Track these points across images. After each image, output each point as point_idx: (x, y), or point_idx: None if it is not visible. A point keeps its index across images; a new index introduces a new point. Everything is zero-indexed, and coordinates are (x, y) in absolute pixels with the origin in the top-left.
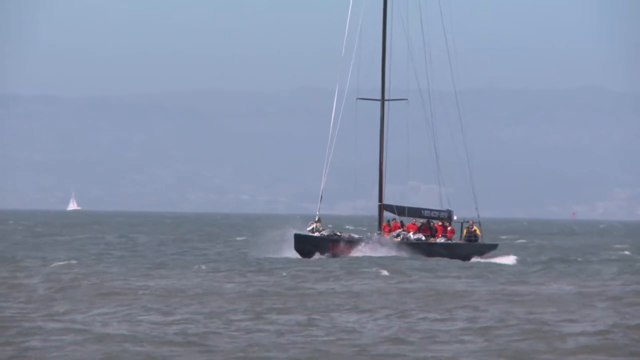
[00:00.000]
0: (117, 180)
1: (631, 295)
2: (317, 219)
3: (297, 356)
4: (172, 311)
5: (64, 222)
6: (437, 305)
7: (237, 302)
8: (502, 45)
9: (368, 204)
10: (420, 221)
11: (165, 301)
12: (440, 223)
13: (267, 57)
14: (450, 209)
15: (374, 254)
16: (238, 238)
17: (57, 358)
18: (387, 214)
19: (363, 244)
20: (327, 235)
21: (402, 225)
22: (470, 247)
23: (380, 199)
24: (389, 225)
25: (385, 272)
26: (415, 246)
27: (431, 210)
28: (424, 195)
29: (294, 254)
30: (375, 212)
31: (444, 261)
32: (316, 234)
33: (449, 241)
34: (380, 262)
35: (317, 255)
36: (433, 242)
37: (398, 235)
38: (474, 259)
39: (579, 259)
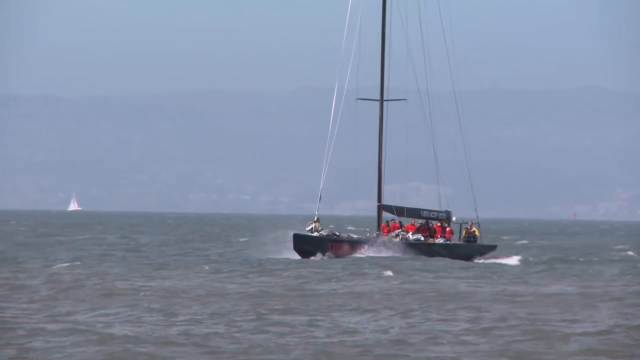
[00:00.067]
0: (118, 180)
1: (633, 296)
2: (316, 219)
3: (300, 357)
4: (175, 312)
5: (65, 222)
6: (439, 306)
7: (239, 303)
8: (502, 45)
9: (368, 204)
10: (419, 222)
11: (167, 302)
12: (439, 224)
13: (267, 57)
14: (449, 209)
15: (377, 255)
16: (241, 239)
17: (59, 359)
18: (386, 215)
19: (367, 246)
20: (326, 236)
21: (401, 225)
22: (469, 247)
23: (379, 199)
24: (387, 225)
25: (387, 273)
26: (416, 247)
27: (430, 211)
28: (425, 196)
29: (294, 255)
30: (375, 213)
31: (446, 261)
32: (315, 234)
33: (448, 242)
34: (382, 262)
35: (316, 256)
36: (432, 242)
37: (397, 235)
38: (476, 260)
39: (581, 259)
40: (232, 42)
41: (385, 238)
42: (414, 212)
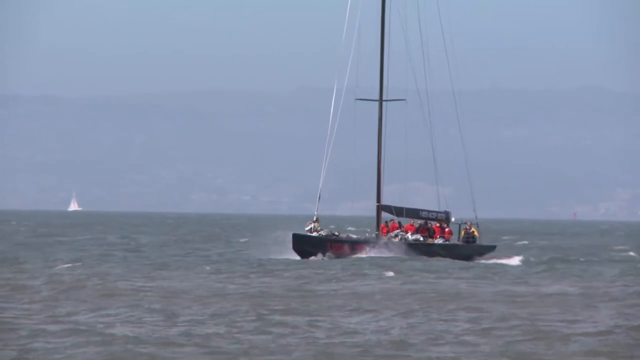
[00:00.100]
0: (118, 180)
1: (634, 296)
2: (315, 219)
3: (300, 358)
4: (175, 312)
5: (66, 222)
6: (440, 306)
7: (240, 303)
8: (502, 45)
9: (368, 204)
10: (418, 222)
11: (168, 302)
12: (437, 224)
13: (267, 57)
14: (448, 210)
15: (378, 256)
16: (241, 240)
17: (60, 359)
18: (385, 215)
19: (368, 247)
20: (326, 236)
21: (400, 226)
22: (468, 248)
23: (379, 199)
24: (386, 226)
25: (387, 274)
26: (416, 247)
27: (429, 211)
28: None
29: (294, 255)
30: (375, 213)
31: (446, 262)
32: (314, 234)
33: (447, 242)
34: (382, 263)
35: (316, 256)
36: (432, 242)
37: (396, 235)
38: (476, 260)
39: (581, 260)
40: (232, 42)
41: (386, 238)
42: (413, 213)
